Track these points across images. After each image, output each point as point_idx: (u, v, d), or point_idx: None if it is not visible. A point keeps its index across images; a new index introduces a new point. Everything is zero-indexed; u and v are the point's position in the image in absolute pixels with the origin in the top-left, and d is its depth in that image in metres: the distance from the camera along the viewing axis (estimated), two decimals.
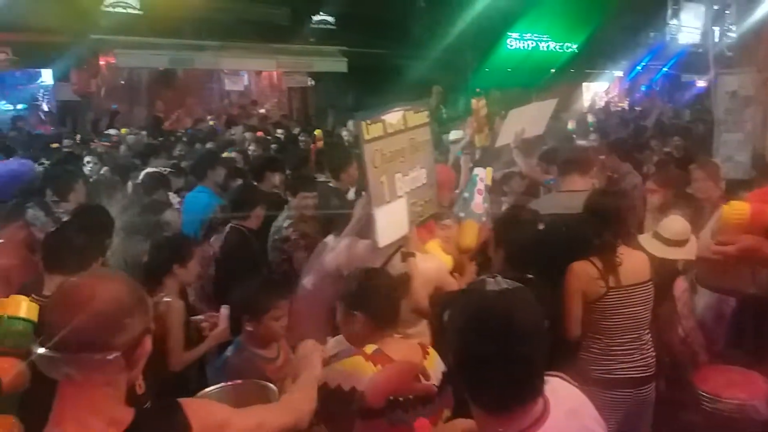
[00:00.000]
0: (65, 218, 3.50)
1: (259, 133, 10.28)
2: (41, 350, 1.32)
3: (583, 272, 2.87)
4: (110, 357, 1.33)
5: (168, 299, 3.04)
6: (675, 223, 3.31)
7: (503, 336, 1.31)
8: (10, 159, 6.07)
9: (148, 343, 1.43)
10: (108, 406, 1.37)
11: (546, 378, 1.39)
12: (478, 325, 1.34)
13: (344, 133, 10.04)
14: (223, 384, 2.30)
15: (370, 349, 2.17)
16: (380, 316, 2.24)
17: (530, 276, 2.53)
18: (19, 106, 13.79)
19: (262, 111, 15.54)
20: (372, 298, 2.25)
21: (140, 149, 8.07)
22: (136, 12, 13.23)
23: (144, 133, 10.41)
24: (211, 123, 12.39)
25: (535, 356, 1.34)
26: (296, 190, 4.30)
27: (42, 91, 13.75)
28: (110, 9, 12.86)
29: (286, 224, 4.12)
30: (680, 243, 3.23)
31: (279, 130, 11.22)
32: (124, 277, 1.47)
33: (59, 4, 11.88)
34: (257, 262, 3.94)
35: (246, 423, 1.58)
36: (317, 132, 8.96)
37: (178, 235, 3.88)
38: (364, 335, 2.23)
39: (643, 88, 22.66)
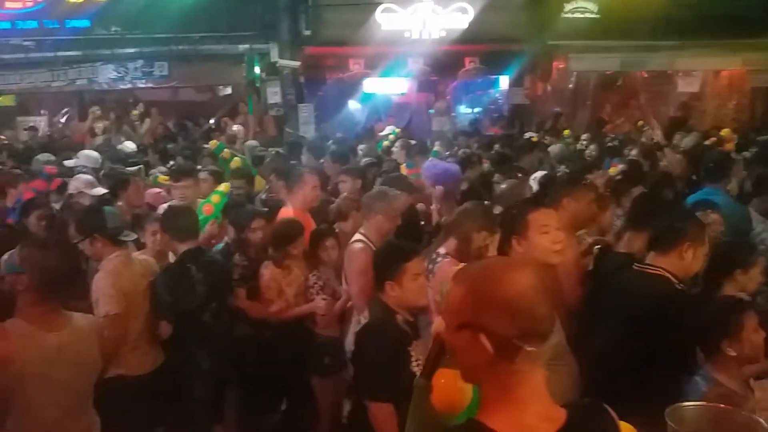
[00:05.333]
0: None
1: (713, 140, 9.17)
2: None
3: None
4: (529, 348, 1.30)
5: None
6: None
7: None
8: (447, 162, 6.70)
9: None
10: (540, 400, 1.34)
11: None
12: None
13: None
14: (704, 403, 2.09)
15: None
16: None
17: None
18: (476, 110, 15.48)
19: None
20: None
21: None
22: (592, 16, 13.32)
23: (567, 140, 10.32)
24: (645, 129, 11.61)
25: None
26: None
27: (497, 95, 15.11)
28: (569, 15, 13.27)
29: None
30: None
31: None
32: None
33: (525, 15, 12.80)
34: None
35: None
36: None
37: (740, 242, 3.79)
38: None
39: None
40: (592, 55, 13.33)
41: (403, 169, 6.92)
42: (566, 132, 10.73)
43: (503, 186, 4.94)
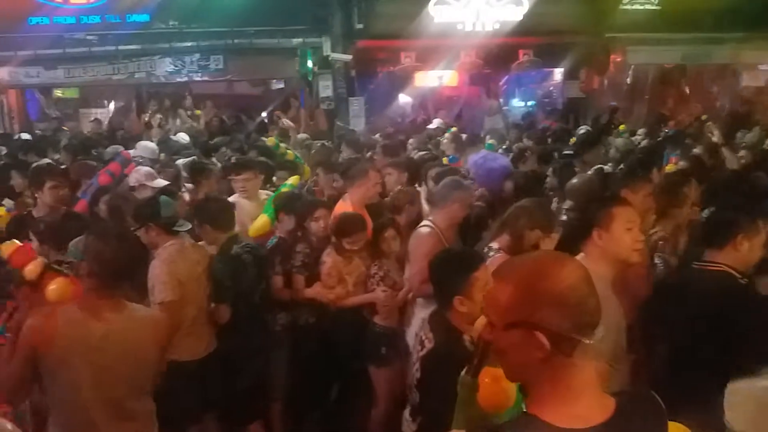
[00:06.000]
0: None
1: None
2: None
3: None
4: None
5: None
6: None
7: None
8: (497, 154, 6.62)
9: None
10: (591, 390, 1.34)
11: None
12: None
13: None
14: None
15: None
16: None
17: None
18: (529, 103, 15.22)
19: None
20: None
21: None
22: (653, 8, 12.91)
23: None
24: (708, 123, 11.12)
25: None
26: None
27: (552, 88, 14.81)
28: (628, 6, 12.90)
29: None
30: None
31: None
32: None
33: (581, 7, 12.48)
34: None
35: None
36: None
37: None
38: None
39: None
40: (651, 48, 12.97)
41: (445, 162, 6.84)
42: (621, 127, 10.43)
43: (573, 180, 4.80)
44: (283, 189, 5.10)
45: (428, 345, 2.67)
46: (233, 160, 6.21)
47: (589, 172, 5.43)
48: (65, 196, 4.80)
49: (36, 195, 4.73)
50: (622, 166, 5.92)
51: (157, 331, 2.70)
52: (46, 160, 6.69)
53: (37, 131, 12.30)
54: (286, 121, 10.77)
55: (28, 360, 2.46)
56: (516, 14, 12.54)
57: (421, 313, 3.73)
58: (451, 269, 2.74)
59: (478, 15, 12.60)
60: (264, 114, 13.23)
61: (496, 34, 12.59)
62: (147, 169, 5.61)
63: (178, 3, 12.06)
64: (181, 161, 6.54)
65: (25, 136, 10.68)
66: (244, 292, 3.85)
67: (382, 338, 4.01)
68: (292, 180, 5.41)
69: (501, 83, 15.06)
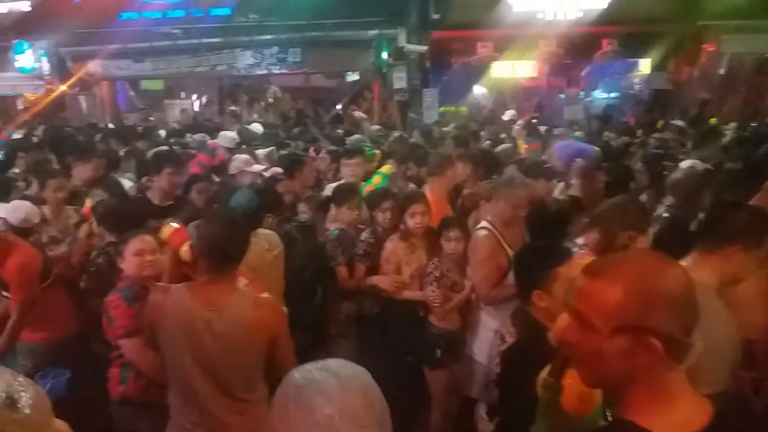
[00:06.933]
0: None
1: None
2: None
3: None
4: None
5: None
6: None
7: None
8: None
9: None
10: (688, 394, 1.26)
11: None
12: None
13: None
14: None
15: None
16: None
17: None
18: (612, 95, 14.59)
19: None
20: None
21: None
22: None
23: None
24: None
25: None
26: None
27: (637, 80, 14.13)
28: None
29: None
30: None
31: None
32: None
33: None
34: None
35: None
36: None
37: None
38: None
39: None
40: (748, 36, 12.10)
41: (522, 146, 6.63)
42: (713, 120, 9.85)
43: (675, 175, 4.47)
44: (375, 177, 5.19)
45: (509, 339, 2.59)
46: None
47: (682, 167, 5.10)
48: (179, 182, 4.92)
49: (153, 179, 4.84)
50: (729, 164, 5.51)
51: (266, 318, 2.57)
52: (164, 148, 7.01)
53: (125, 120, 12.91)
54: (358, 113, 10.82)
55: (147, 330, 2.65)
56: (600, 2, 12.04)
57: (488, 321, 3.59)
58: (533, 263, 2.59)
59: (560, 3, 12.17)
60: (338, 106, 13.32)
61: (579, 22, 12.13)
62: (245, 156, 5.83)
63: None
64: (260, 151, 6.65)
65: (111, 126, 11.24)
66: (297, 267, 3.92)
67: (439, 340, 3.83)
68: (385, 168, 5.43)
69: (582, 74, 14.54)
